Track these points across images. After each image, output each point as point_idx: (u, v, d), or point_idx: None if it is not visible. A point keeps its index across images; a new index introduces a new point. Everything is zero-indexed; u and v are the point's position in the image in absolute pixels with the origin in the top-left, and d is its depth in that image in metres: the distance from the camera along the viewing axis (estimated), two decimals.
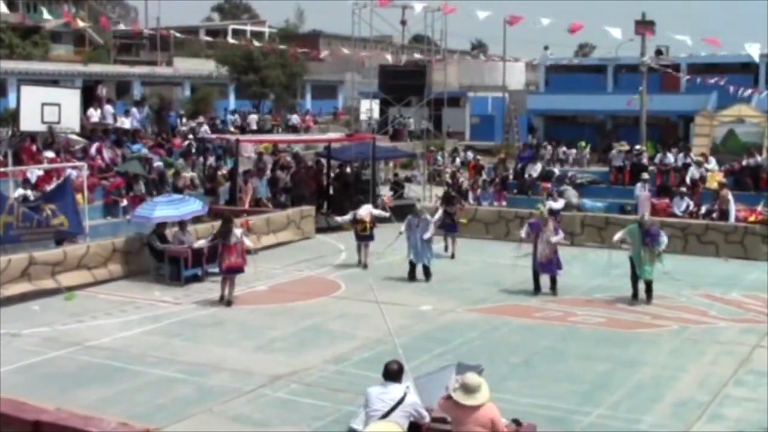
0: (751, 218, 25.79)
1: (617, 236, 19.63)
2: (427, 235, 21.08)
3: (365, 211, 23.35)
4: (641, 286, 19.10)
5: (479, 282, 21.11)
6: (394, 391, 9.52)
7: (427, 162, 39.81)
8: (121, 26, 72.41)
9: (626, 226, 19.64)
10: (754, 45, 32.64)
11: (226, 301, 18.95)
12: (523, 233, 20.16)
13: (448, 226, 24.54)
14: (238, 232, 19.36)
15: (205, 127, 39.31)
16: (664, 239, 19.06)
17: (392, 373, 9.69)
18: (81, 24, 48.70)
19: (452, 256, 24.41)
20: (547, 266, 19.77)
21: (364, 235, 23.07)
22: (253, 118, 51.29)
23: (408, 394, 9.54)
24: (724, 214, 26.32)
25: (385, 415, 9.31)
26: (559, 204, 25.99)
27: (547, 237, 19.54)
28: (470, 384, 9.13)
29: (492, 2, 59.52)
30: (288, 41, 64.85)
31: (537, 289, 19.85)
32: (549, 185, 26.75)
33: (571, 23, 31.61)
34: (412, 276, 21.27)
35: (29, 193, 24.69)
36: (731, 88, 40.50)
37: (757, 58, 33.99)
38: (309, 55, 55.63)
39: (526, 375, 14.17)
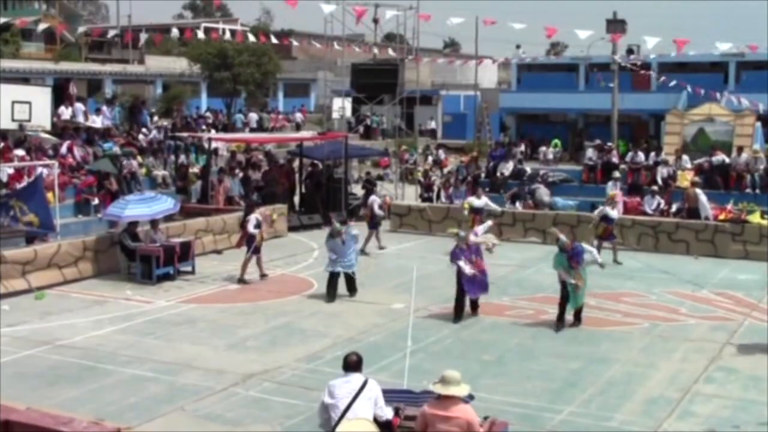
0: (721, 216, 25.97)
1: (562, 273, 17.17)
2: (358, 246, 20.05)
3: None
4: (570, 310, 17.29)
5: (451, 280, 21.08)
6: (356, 380, 9.66)
7: (399, 160, 39.89)
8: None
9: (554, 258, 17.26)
10: (725, 44, 32.93)
11: (260, 275, 21.36)
12: (464, 266, 17.46)
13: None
14: (254, 218, 21.30)
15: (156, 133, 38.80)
16: (587, 256, 17.21)
17: (352, 364, 9.83)
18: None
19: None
20: (474, 287, 17.66)
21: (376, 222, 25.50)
22: (252, 117, 51.81)
23: (369, 381, 9.67)
24: (691, 213, 26.50)
25: (350, 405, 9.41)
26: (614, 213, 23.91)
27: (471, 255, 17.48)
28: (449, 377, 9.18)
29: (465, 2, 59.80)
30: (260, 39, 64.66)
31: (460, 309, 17.77)
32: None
33: (545, 27, 31.87)
34: (331, 292, 19.17)
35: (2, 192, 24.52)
36: (690, 88, 40.87)
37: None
38: (281, 42, 55.52)
39: (497, 373, 14.22)
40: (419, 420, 9.28)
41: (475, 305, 17.98)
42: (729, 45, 36.30)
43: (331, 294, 19.11)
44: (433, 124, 56.03)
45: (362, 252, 23.61)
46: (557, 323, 16.96)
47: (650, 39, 33.41)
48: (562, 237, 17.07)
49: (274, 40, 47.76)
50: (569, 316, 17.15)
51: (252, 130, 49.20)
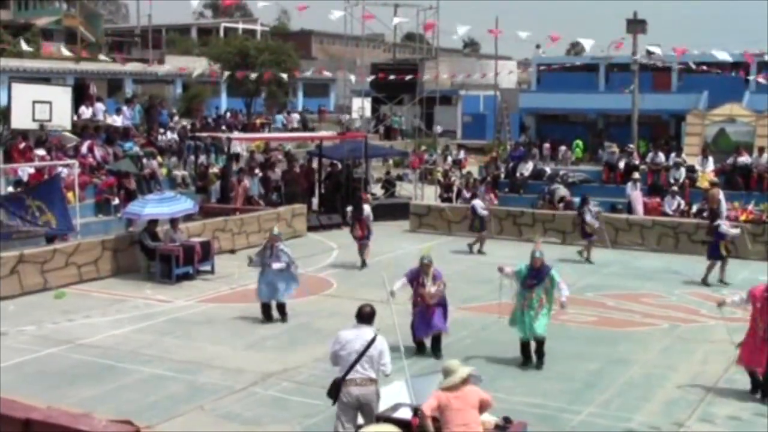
0: (742, 217, 25.81)
1: (507, 271, 15.13)
2: (276, 266, 17.36)
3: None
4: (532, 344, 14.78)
5: (471, 280, 21.12)
6: (365, 334, 10.26)
7: (418, 160, 39.86)
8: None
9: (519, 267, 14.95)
10: (722, 52, 32.83)
11: (361, 262, 22.99)
12: (397, 286, 14.74)
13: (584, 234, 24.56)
14: (367, 208, 23.54)
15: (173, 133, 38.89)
16: (563, 288, 14.71)
17: (365, 316, 10.46)
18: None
19: (588, 260, 24.11)
20: (426, 325, 15.16)
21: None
22: (295, 117, 52.08)
23: (377, 337, 10.26)
24: (713, 214, 26.35)
25: (360, 356, 10.08)
26: (727, 230, 22.01)
27: (427, 287, 15.06)
28: (449, 368, 9.55)
29: (485, 2, 59.67)
30: (279, 39, 64.81)
31: (420, 348, 15.25)
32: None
33: (551, 34, 31.87)
34: (267, 316, 17.55)
35: (19, 191, 24.63)
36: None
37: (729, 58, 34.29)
38: (300, 46, 56.06)
39: (516, 373, 14.18)
40: (431, 402, 9.48)
41: (434, 344, 15.22)
42: (725, 54, 36.26)
43: (267, 318, 17.52)
44: (438, 129, 55.37)
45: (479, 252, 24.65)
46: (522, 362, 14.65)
47: (653, 47, 33.60)
48: (539, 251, 14.71)
49: (310, 73, 47.98)
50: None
51: (294, 130, 49.27)
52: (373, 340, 10.17)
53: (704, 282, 21.23)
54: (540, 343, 14.55)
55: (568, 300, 15.09)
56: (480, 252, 24.91)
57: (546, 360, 14.68)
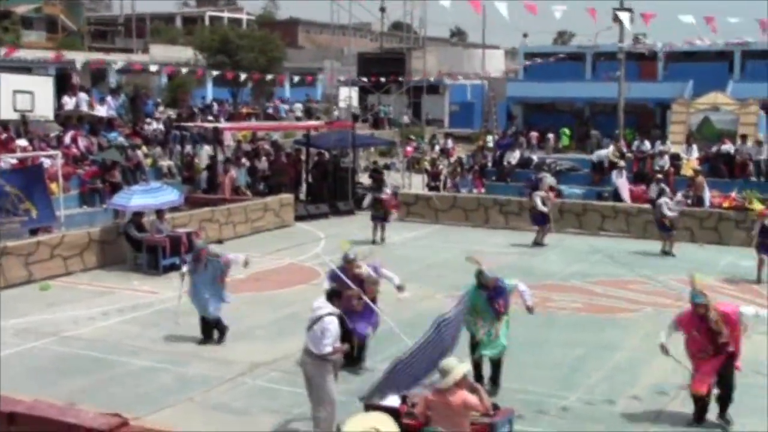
0: (725, 204, 25.98)
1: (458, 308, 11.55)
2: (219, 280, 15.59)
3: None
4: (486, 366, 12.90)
5: (458, 269, 21.08)
6: (323, 309, 10.97)
7: (412, 149, 39.87)
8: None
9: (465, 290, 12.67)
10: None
11: (379, 239, 24.51)
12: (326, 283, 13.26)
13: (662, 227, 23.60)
14: (387, 190, 25.80)
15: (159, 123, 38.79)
16: (524, 291, 13.08)
17: (327, 293, 11.35)
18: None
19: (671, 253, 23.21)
20: (360, 322, 13.48)
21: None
22: (297, 106, 52.04)
23: (326, 317, 10.79)
24: (700, 201, 26.54)
25: (308, 327, 10.96)
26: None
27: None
28: (445, 368, 9.35)
29: None
30: (266, 28, 64.61)
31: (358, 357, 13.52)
32: None
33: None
34: (206, 334, 15.54)
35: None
36: None
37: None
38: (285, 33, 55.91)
39: (504, 360, 14.19)
40: (421, 405, 9.54)
41: (360, 349, 13.59)
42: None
43: (205, 337, 15.55)
44: (406, 119, 54.80)
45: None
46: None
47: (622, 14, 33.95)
48: (485, 269, 12.72)
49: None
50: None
51: (297, 119, 49.16)
52: (319, 319, 10.79)
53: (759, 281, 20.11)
54: (496, 364, 12.75)
55: (535, 304, 13.54)
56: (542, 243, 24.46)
57: (535, 344, 14.77)
